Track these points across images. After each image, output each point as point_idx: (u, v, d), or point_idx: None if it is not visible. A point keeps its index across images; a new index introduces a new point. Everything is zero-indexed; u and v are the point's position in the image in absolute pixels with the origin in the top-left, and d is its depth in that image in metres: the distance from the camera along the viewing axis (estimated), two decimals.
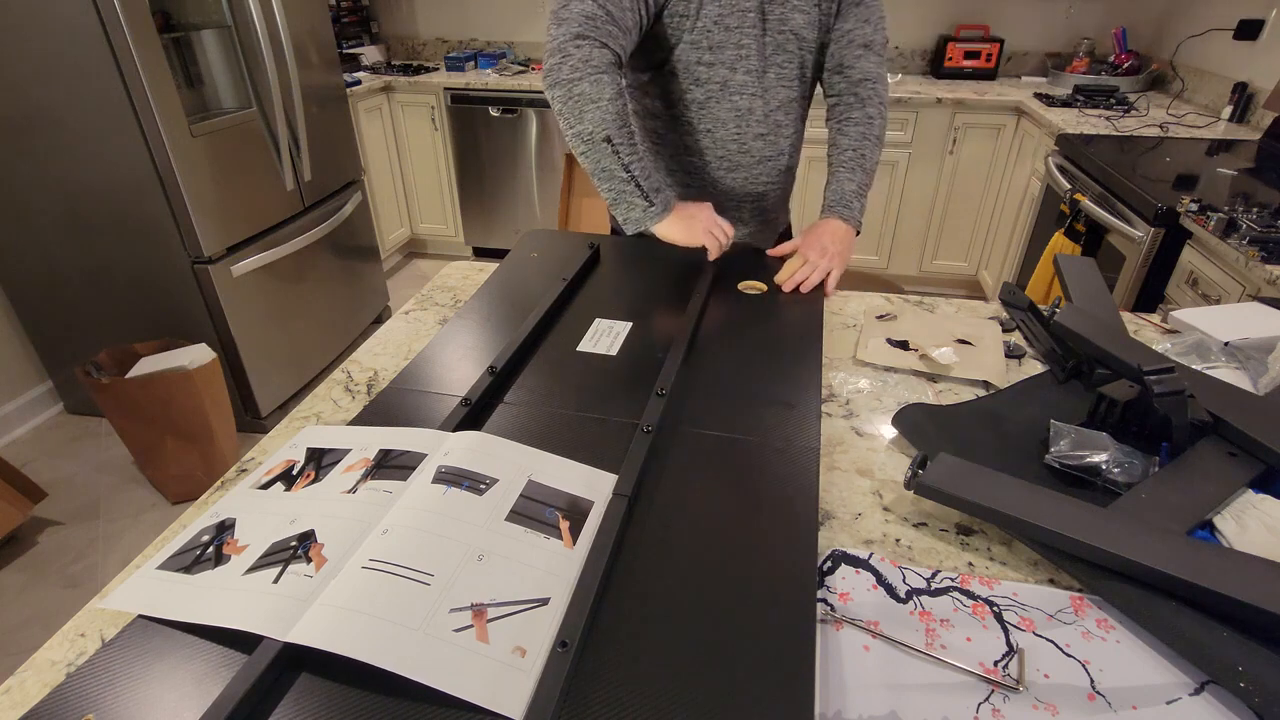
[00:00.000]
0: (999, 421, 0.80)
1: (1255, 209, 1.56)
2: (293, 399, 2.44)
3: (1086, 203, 1.94)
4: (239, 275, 2.12)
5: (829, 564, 0.63)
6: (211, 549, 0.61)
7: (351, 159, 2.69)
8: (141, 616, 0.55)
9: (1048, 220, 2.30)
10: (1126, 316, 1.04)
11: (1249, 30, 2.43)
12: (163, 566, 0.60)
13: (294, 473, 0.70)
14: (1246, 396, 0.78)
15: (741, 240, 1.37)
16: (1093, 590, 0.60)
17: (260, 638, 0.51)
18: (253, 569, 0.57)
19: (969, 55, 3.05)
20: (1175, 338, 0.95)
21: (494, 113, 3.10)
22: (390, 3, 3.58)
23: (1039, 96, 2.73)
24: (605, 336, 0.95)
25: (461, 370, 0.88)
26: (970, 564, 0.64)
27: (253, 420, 2.31)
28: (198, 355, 1.95)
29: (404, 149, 3.30)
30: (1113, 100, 2.68)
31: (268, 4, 2.11)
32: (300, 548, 0.59)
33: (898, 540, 0.66)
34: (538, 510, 0.64)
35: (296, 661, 0.51)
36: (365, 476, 0.67)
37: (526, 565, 0.58)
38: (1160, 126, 2.34)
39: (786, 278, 1.09)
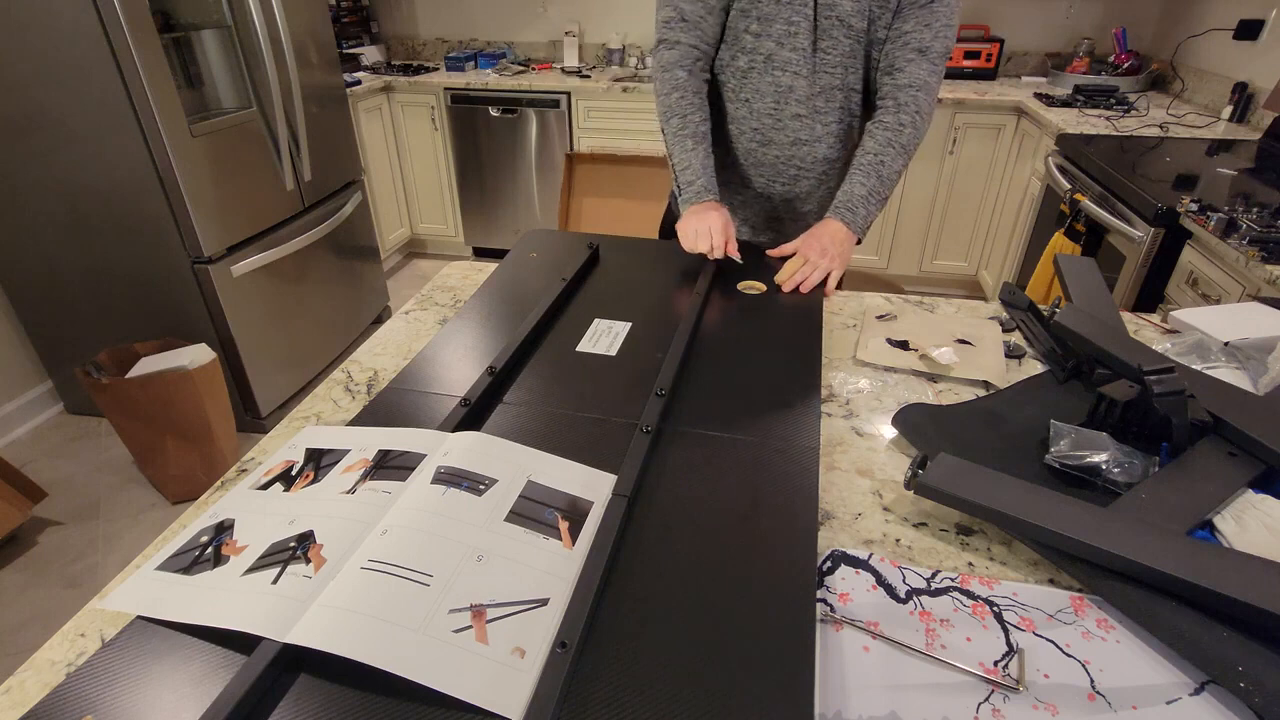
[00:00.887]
0: (999, 421, 0.80)
1: (1255, 209, 1.56)
2: (293, 399, 2.44)
3: (1086, 203, 1.94)
4: (239, 275, 2.11)
5: (829, 564, 0.63)
6: (210, 550, 0.61)
7: (351, 159, 2.69)
8: (140, 617, 0.55)
9: (1048, 220, 2.30)
10: (1126, 316, 1.04)
11: (1249, 30, 2.42)
12: (162, 567, 0.60)
13: (293, 473, 0.70)
14: (1246, 396, 0.78)
15: (760, 237, 1.38)
16: (1093, 590, 0.60)
17: (259, 638, 0.51)
18: (252, 570, 0.57)
19: (969, 55, 3.04)
20: (1175, 338, 0.95)
21: (494, 113, 3.10)
22: (390, 3, 3.58)
23: (1039, 96, 2.73)
24: (605, 336, 0.95)
25: (461, 370, 0.88)
26: (970, 564, 0.63)
27: (253, 420, 2.31)
28: (198, 355, 1.95)
29: (404, 149, 3.30)
30: (1113, 100, 2.68)
31: (268, 4, 2.11)
32: (299, 548, 0.59)
33: (898, 540, 0.66)
34: (537, 510, 0.64)
35: (295, 662, 0.51)
36: (364, 477, 0.67)
37: (526, 566, 0.58)
38: (1160, 126, 2.34)
39: (787, 278, 1.09)
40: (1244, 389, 0.81)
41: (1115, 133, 2.27)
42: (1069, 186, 2.07)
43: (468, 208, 3.40)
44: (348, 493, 0.65)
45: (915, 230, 3.07)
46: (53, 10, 1.70)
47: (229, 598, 0.55)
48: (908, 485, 0.68)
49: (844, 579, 0.61)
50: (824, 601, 0.59)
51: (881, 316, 1.05)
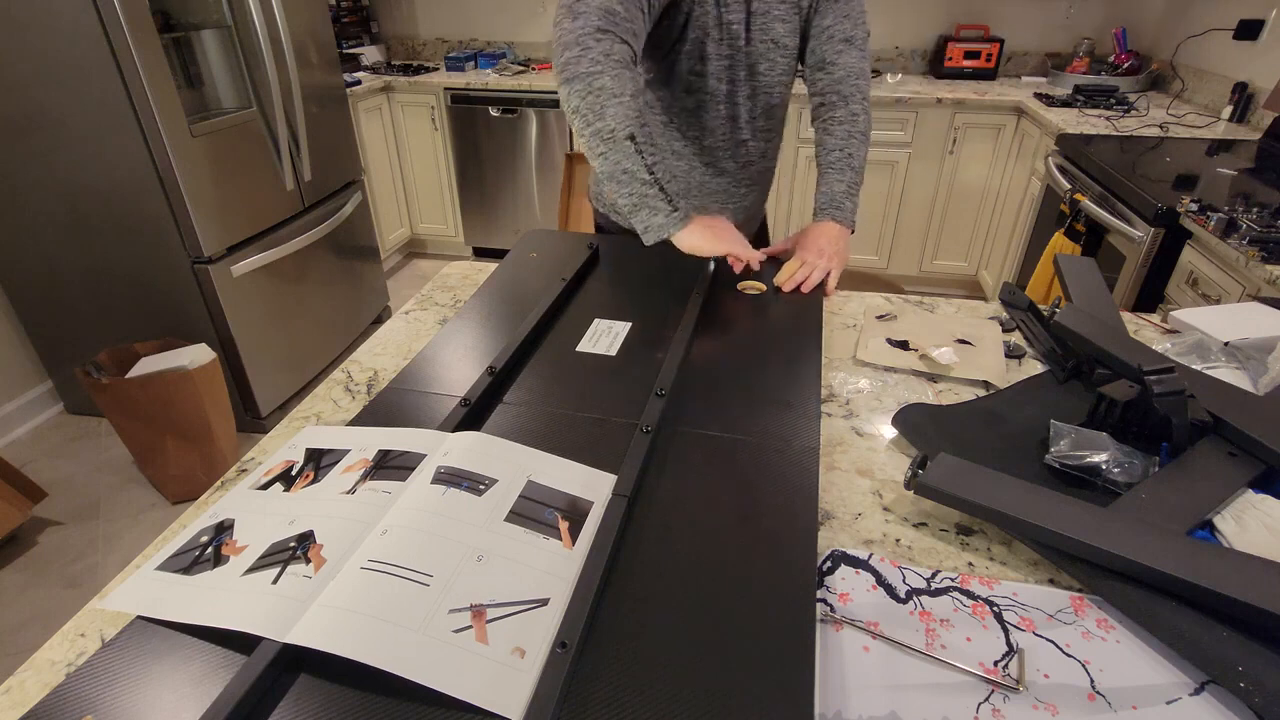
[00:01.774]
0: (999, 421, 0.80)
1: (1255, 209, 1.56)
2: (293, 399, 2.44)
3: (1086, 203, 1.94)
4: (239, 275, 2.11)
5: (829, 564, 0.63)
6: (210, 550, 0.61)
7: (351, 159, 2.69)
8: (140, 617, 0.55)
9: (1048, 220, 2.30)
10: (1126, 316, 1.04)
11: (1249, 30, 2.42)
12: (161, 567, 0.60)
13: (293, 473, 0.70)
14: (1246, 396, 0.78)
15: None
16: (1093, 590, 0.60)
17: (259, 638, 0.51)
18: (252, 570, 0.57)
19: (969, 55, 3.05)
20: (1175, 338, 0.95)
21: (494, 113, 3.10)
22: (390, 3, 3.58)
23: (1039, 96, 2.73)
24: (604, 336, 0.95)
25: (461, 370, 0.88)
26: (970, 564, 0.63)
27: (253, 420, 2.31)
28: (197, 355, 1.95)
29: (404, 149, 3.30)
30: (1113, 100, 2.68)
31: (268, 4, 2.11)
32: (299, 548, 0.59)
33: (898, 540, 0.66)
34: (537, 510, 0.64)
35: (296, 662, 0.51)
36: (364, 477, 0.67)
37: (526, 566, 0.58)
38: (1160, 126, 2.34)
39: (786, 279, 1.09)
40: (1244, 389, 0.81)
41: (1115, 133, 2.27)
42: (1069, 186, 2.07)
43: (468, 208, 3.40)
44: (348, 493, 0.65)
45: (915, 230, 3.07)
46: (53, 10, 1.70)
47: (229, 598, 0.55)
48: (908, 485, 0.68)
49: (844, 579, 0.61)
50: (824, 601, 0.59)
51: (881, 316, 1.05)
